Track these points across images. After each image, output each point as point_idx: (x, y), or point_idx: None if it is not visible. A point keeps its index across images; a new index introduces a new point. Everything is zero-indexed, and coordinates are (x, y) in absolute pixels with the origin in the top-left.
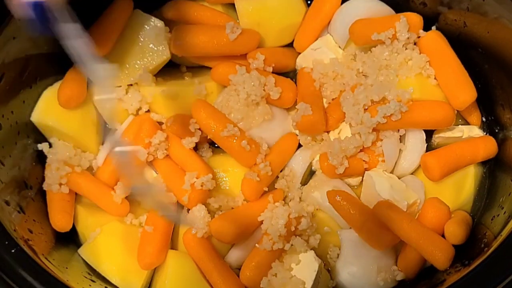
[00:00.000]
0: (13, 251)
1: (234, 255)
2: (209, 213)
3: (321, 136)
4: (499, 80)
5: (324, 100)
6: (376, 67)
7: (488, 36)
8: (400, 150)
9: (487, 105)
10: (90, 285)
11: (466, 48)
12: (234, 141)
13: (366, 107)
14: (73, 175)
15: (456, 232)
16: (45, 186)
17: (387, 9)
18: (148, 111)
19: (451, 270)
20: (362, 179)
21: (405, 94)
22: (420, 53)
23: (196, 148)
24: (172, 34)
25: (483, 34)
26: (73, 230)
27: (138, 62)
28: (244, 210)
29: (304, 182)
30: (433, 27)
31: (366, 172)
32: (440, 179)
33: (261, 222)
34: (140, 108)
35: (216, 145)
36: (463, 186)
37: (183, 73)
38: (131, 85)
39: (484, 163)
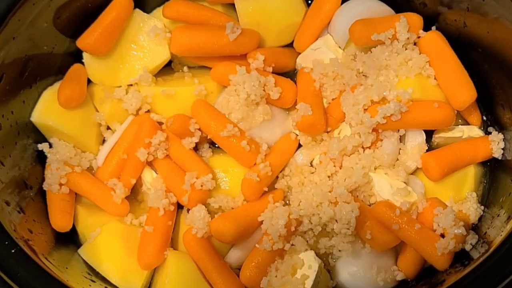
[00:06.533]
0: (13, 251)
1: (234, 255)
2: (209, 213)
3: (321, 136)
4: (499, 80)
5: (324, 100)
6: (376, 67)
7: (488, 36)
8: (400, 150)
9: (487, 105)
10: (90, 285)
11: (466, 48)
12: (234, 141)
13: (366, 107)
14: (73, 175)
15: None
16: (45, 186)
17: (387, 9)
18: (148, 111)
19: (451, 270)
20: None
21: (405, 94)
22: (420, 53)
23: (196, 148)
24: (172, 34)
25: (483, 34)
26: (73, 230)
27: (138, 62)
28: (244, 210)
29: None
30: (433, 27)
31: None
32: (440, 179)
33: (261, 222)
34: (140, 108)
35: (216, 145)
36: (463, 186)
37: (183, 73)
38: (131, 85)
39: (484, 163)
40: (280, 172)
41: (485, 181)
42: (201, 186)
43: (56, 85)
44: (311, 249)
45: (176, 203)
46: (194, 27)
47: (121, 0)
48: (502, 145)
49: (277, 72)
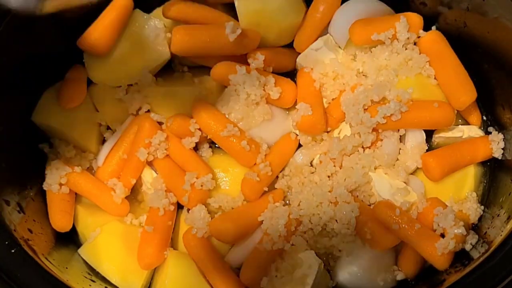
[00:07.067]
0: (13, 251)
1: (234, 255)
2: (209, 213)
3: (321, 136)
4: (499, 80)
5: (324, 100)
6: (376, 67)
7: (488, 36)
8: (400, 150)
9: (487, 105)
10: (90, 285)
11: (466, 48)
12: (234, 141)
13: (366, 107)
14: (73, 175)
15: None
16: (45, 186)
17: (387, 9)
18: (148, 111)
19: (451, 270)
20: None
21: (405, 94)
22: (420, 53)
23: (196, 148)
24: (172, 34)
25: (483, 34)
26: (73, 230)
27: (138, 62)
28: (244, 210)
29: None
30: (433, 27)
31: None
32: (440, 179)
33: (261, 222)
34: (140, 108)
35: (216, 145)
36: (463, 186)
37: (183, 73)
38: (131, 85)
39: (484, 163)
40: (280, 172)
41: (485, 181)
42: (201, 186)
43: (56, 85)
44: (311, 249)
45: (176, 203)
46: (194, 27)
47: (121, 0)
48: (502, 145)
49: (277, 72)
